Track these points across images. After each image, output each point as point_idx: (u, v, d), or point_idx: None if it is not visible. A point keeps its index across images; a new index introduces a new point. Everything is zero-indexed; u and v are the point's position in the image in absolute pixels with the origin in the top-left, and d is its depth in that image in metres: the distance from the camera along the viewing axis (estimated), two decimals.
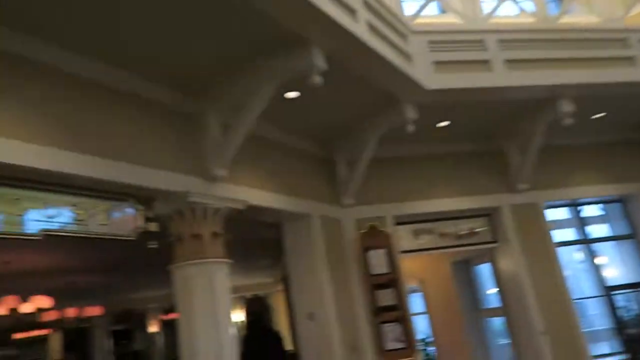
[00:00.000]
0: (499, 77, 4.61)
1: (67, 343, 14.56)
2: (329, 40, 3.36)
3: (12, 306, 7.00)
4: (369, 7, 3.71)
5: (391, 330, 4.97)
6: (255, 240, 7.17)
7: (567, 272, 5.80)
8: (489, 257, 6.17)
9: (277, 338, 6.34)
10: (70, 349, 14.73)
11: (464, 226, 5.92)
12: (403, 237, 5.65)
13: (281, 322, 12.25)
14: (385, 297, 5.05)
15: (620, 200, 6.60)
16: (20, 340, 13.32)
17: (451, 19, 5.21)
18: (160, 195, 3.58)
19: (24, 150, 2.69)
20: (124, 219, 3.42)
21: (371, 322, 5.00)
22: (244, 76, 3.62)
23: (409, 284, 6.18)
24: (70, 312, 8.92)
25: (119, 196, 3.39)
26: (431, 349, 7.91)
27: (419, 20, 4.69)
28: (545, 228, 5.86)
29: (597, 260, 6.49)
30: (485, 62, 4.63)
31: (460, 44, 4.59)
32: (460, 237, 5.88)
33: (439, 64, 4.45)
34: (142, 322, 15.08)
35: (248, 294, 13.45)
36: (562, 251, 5.95)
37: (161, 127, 3.64)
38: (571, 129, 5.17)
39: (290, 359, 6.02)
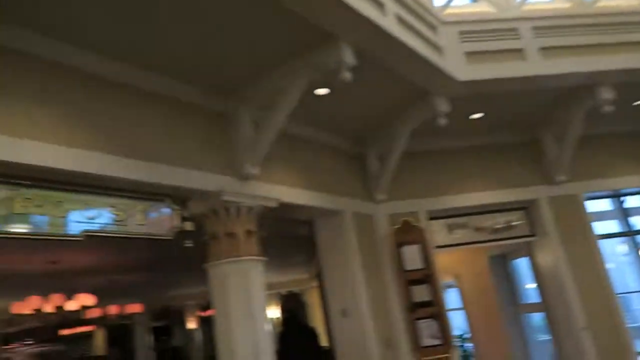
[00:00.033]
0: (534, 66, 4.48)
1: (110, 339, 15.08)
2: (358, 36, 3.34)
3: (58, 304, 7.28)
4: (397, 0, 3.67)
5: (427, 327, 4.92)
6: (290, 237, 7.22)
7: (609, 265, 5.60)
8: (527, 251, 6.02)
9: (312, 334, 6.37)
10: (113, 345, 15.25)
11: (500, 220, 5.79)
12: (437, 232, 5.57)
13: (316, 319, 12.30)
14: (420, 293, 5.00)
15: None
16: (67, 336, 13.88)
17: (483, 8, 5.08)
18: (195, 194, 3.65)
19: (66, 154, 2.80)
20: (161, 219, 3.50)
21: (406, 318, 4.97)
22: (274, 75, 3.65)
23: (444, 279, 6.10)
24: (113, 309, 9.22)
25: (155, 197, 3.47)
26: (468, 345, 7.79)
27: (449, 11, 4.59)
28: (585, 220, 5.66)
29: None
30: (519, 51, 4.50)
31: (492, 33, 4.47)
32: (496, 231, 5.76)
33: (470, 54, 4.36)
34: (180, 319, 15.44)
35: (283, 291, 13.57)
36: (604, 244, 5.74)
37: (195, 127, 3.70)
38: (611, 116, 4.98)
39: (326, 355, 6.04)
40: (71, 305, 7.43)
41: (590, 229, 5.64)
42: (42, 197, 2.87)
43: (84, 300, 7.56)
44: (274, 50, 3.42)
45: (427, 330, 4.91)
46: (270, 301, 13.43)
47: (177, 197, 3.62)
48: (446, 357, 4.92)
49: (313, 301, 12.91)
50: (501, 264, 7.01)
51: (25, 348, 13.32)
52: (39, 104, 2.79)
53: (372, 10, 3.24)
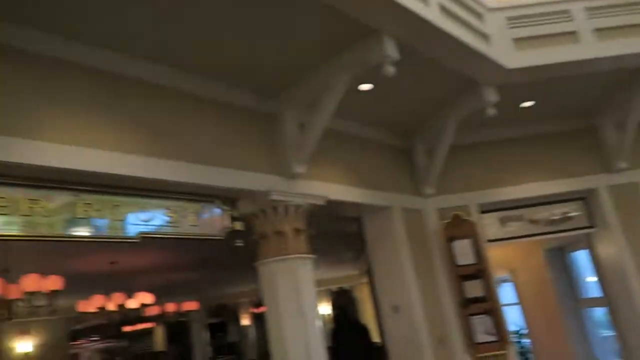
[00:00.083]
0: (588, 49, 4.25)
1: (169, 335, 15.69)
2: (401, 29, 3.29)
3: (120, 302, 7.62)
4: None
5: (481, 323, 4.80)
6: (339, 234, 7.23)
7: None
8: (586, 243, 5.75)
9: (363, 331, 6.38)
10: (172, 341, 15.85)
11: (556, 211, 5.55)
12: (489, 226, 5.41)
13: (367, 315, 12.27)
14: (473, 289, 4.89)
15: None
16: (129, 332, 14.56)
17: None
18: (243, 195, 3.72)
19: (121, 160, 2.94)
20: (212, 220, 3.60)
21: (459, 314, 4.86)
22: (317, 73, 3.66)
23: (498, 274, 5.93)
24: (170, 307, 9.55)
25: (206, 198, 3.57)
26: (525, 341, 7.54)
27: None
28: None
29: None
30: (571, 34, 4.28)
31: (542, 17, 4.28)
32: (552, 223, 5.53)
33: (519, 40, 4.18)
34: (235, 316, 15.84)
35: (334, 287, 13.63)
36: None
37: (242, 129, 3.77)
38: None
39: (377, 351, 6.03)
40: (132, 304, 7.76)
41: None
42: (101, 202, 3.03)
43: (143, 298, 7.88)
44: (316, 48, 3.42)
45: (482, 327, 4.80)
46: (320, 298, 13.54)
47: (227, 197, 3.71)
48: (502, 353, 4.79)
49: (363, 297, 12.89)
50: (559, 257, 6.73)
51: (91, 344, 14.09)
52: (97, 113, 2.94)
53: (414, 2, 3.18)
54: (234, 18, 2.97)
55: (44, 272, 5.30)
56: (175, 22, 2.94)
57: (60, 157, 2.67)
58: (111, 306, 7.59)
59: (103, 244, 3.12)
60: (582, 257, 6.29)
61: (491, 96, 4.28)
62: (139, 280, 8.43)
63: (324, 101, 3.64)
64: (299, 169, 3.86)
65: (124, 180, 3.03)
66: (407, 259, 4.77)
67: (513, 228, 5.51)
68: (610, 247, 5.34)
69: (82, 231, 2.94)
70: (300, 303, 3.59)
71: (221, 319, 16.73)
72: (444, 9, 3.51)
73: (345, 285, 13.60)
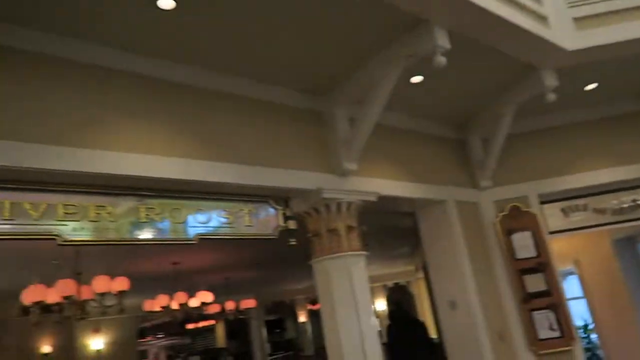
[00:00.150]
0: None
1: (229, 332, 16.14)
2: (451, 17, 3.20)
3: (182, 301, 7.92)
4: None
5: (544, 318, 4.61)
6: (393, 230, 7.19)
7: None
8: None
9: (419, 327, 6.29)
10: (232, 338, 16.30)
11: (625, 199, 5.23)
12: (551, 217, 5.18)
13: (424, 310, 12.10)
14: (535, 283, 4.70)
15: None
16: (192, 330, 15.10)
17: None
18: (296, 194, 3.77)
19: (180, 165, 3.06)
20: (266, 219, 3.66)
21: (520, 309, 4.69)
22: (366, 68, 3.64)
23: (562, 266, 5.67)
24: (229, 305, 9.81)
25: (260, 198, 3.65)
26: (594, 336, 7.17)
27: None
28: None
29: None
30: (637, 9, 4.01)
31: None
32: (621, 211, 5.22)
33: (580, 20, 3.95)
34: (292, 312, 16.07)
35: (390, 283, 13.54)
36: None
37: (293, 128, 3.82)
38: None
39: (434, 347, 5.93)
40: (193, 302, 8.03)
41: None
42: (161, 206, 3.16)
43: (204, 297, 8.15)
44: (364, 43, 3.40)
45: (545, 322, 4.60)
46: (376, 294, 13.49)
47: (280, 197, 3.77)
48: (568, 350, 4.58)
49: (420, 293, 12.72)
50: (629, 248, 6.36)
51: (157, 341, 14.72)
52: (155, 121, 3.08)
53: None
54: (283, 19, 3.01)
55: (112, 274, 5.59)
56: (227, 28, 3.01)
57: (124, 165, 2.83)
58: (174, 305, 7.89)
59: (165, 245, 3.25)
60: None
61: (551, 81, 4.09)
62: (200, 279, 8.73)
63: (374, 96, 3.61)
64: (350, 165, 3.85)
65: (183, 184, 3.16)
66: (463, 254, 4.66)
67: (577, 218, 5.25)
68: None
69: (146, 234, 3.08)
70: (354, 300, 3.60)
71: (278, 316, 17.03)
72: None
73: (401, 281, 13.47)
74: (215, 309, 9.36)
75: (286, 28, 3.11)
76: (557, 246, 5.10)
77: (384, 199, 4.13)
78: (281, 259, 8.31)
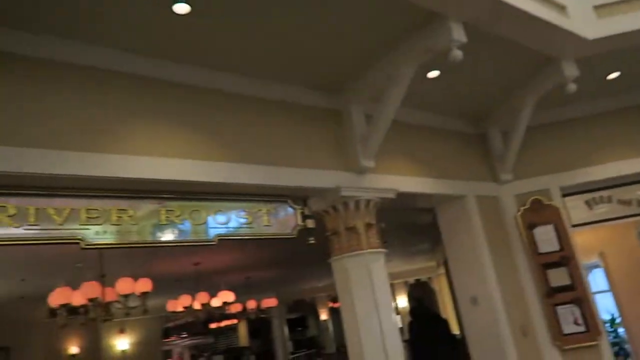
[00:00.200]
0: None
1: (251, 331, 16.27)
2: (467, 10, 3.15)
3: (204, 301, 8.00)
4: None
5: (568, 313, 4.52)
6: (414, 226, 7.15)
7: None
8: None
9: (441, 323, 6.22)
10: (254, 336, 16.43)
11: None
12: (574, 209, 5.08)
13: (446, 306, 12.01)
14: (558, 277, 4.62)
15: None
16: (215, 329, 15.26)
17: None
18: (314, 193, 3.77)
19: (198, 167, 3.09)
20: (285, 219, 3.68)
21: (543, 304, 4.62)
22: (382, 64, 3.62)
23: (586, 259, 5.56)
24: (251, 304, 9.88)
25: (277, 198, 3.66)
26: (621, 330, 7.02)
27: None
28: None
29: None
30: None
31: None
32: None
33: (600, 8, 3.84)
34: (313, 310, 16.11)
35: (411, 279, 13.47)
36: None
37: (309, 127, 3.82)
38: None
39: (457, 344, 5.87)
40: (215, 302, 8.11)
41: None
42: (182, 208, 3.20)
43: (225, 296, 8.21)
44: (379, 39, 3.38)
45: (569, 317, 4.52)
46: (398, 290, 13.44)
47: (298, 196, 3.77)
48: (594, 344, 4.50)
49: (442, 288, 12.63)
50: None
51: (181, 341, 14.93)
52: (174, 124, 3.12)
53: None
54: (299, 18, 3.01)
55: (136, 276, 5.68)
56: (242, 29, 3.03)
57: (145, 169, 2.88)
58: (197, 305, 7.98)
59: (186, 247, 3.28)
60: None
61: (572, 71, 4.00)
62: (221, 279, 8.81)
63: (390, 92, 3.58)
64: (368, 163, 3.84)
65: (202, 186, 3.19)
66: (484, 249, 4.61)
67: (601, 210, 5.14)
68: None
69: (167, 236, 3.12)
70: (374, 297, 3.59)
71: (300, 314, 17.10)
72: None
73: (423, 277, 13.38)
74: (236, 308, 9.44)
75: (301, 27, 3.11)
76: (581, 239, 5.00)
77: (402, 196, 4.11)
78: (301, 258, 8.33)
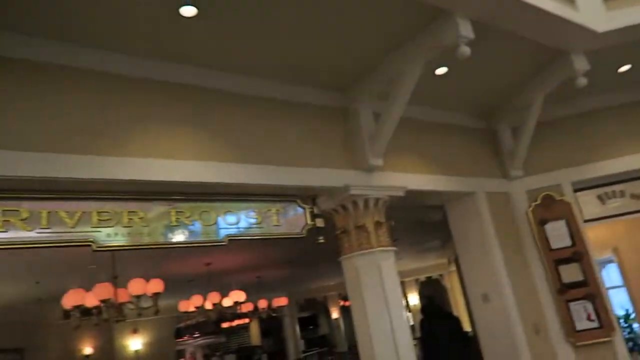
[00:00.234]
0: None
1: (263, 330, 16.31)
2: (474, 6, 3.14)
3: (215, 301, 8.03)
4: None
5: (581, 309, 4.48)
6: (424, 223, 7.12)
7: None
8: None
9: (453, 320, 6.21)
10: (266, 335, 16.47)
11: None
12: (586, 204, 5.03)
13: (458, 304, 11.95)
14: (570, 273, 4.58)
15: None
16: (227, 329, 15.32)
17: None
18: (323, 192, 3.77)
19: (207, 169, 3.11)
20: (294, 219, 3.68)
21: (556, 300, 4.58)
22: (389, 62, 3.61)
23: (599, 255, 5.51)
24: (262, 303, 9.91)
25: (286, 198, 3.67)
26: (635, 325, 6.94)
27: None
28: None
29: None
30: None
31: None
32: None
33: (609, 0, 3.83)
34: (324, 309, 16.11)
35: (422, 277, 13.42)
36: None
37: (317, 127, 3.82)
38: None
39: (469, 341, 5.85)
40: (226, 302, 8.14)
41: None
42: (191, 209, 3.22)
43: (236, 296, 8.24)
44: (385, 37, 3.37)
45: (582, 313, 4.48)
46: (409, 288, 13.40)
47: (307, 196, 3.78)
48: (608, 340, 4.45)
49: (453, 286, 12.57)
50: None
51: (194, 340, 15.01)
52: (184, 126, 3.14)
53: None
54: (305, 18, 3.01)
55: (147, 276, 5.72)
56: (249, 31, 3.04)
57: (154, 171, 2.90)
58: (208, 305, 8.02)
59: (197, 247, 3.30)
60: None
61: (581, 64, 3.96)
62: (232, 279, 8.84)
63: (398, 90, 3.57)
64: (376, 161, 3.83)
65: (212, 187, 3.21)
66: (494, 246, 4.58)
67: (615, 205, 5.09)
68: None
69: (177, 237, 3.14)
70: (384, 295, 3.59)
71: (311, 313, 17.11)
72: None
73: (434, 275, 13.33)
74: (248, 307, 9.47)
75: (308, 27, 3.11)
76: (594, 234, 4.96)
77: (412, 193, 4.10)
78: (312, 257, 8.34)
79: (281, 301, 10.29)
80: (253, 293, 9.44)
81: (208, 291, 7.96)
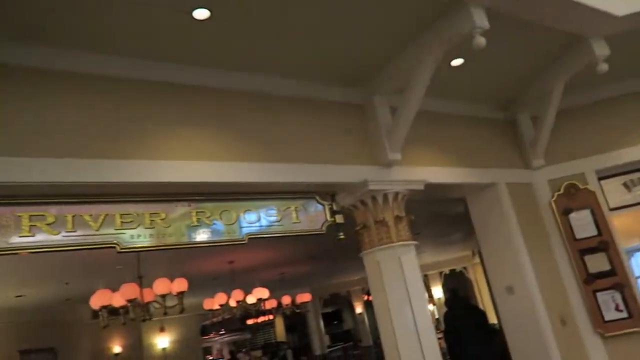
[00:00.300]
0: None
1: (287, 326, 16.43)
2: None
3: (239, 298, 8.11)
4: None
5: (609, 299, 4.39)
6: (445, 216, 7.06)
7: None
8: None
9: (477, 313, 6.15)
10: (291, 331, 16.59)
11: None
12: (611, 193, 4.90)
13: (483, 296, 11.84)
14: (597, 263, 4.49)
15: None
16: (252, 325, 15.48)
17: None
18: (342, 188, 3.78)
19: (227, 169, 3.15)
20: (314, 215, 3.70)
21: (582, 291, 4.50)
22: (404, 55, 3.59)
23: (627, 244, 5.37)
24: (285, 299, 9.97)
25: (305, 195, 3.68)
26: None
27: None
28: None
29: None
30: None
31: None
32: None
33: None
34: (348, 304, 16.13)
35: (446, 270, 13.34)
36: None
37: (334, 123, 3.82)
38: None
39: (494, 333, 5.79)
40: (250, 299, 8.22)
41: None
42: (212, 209, 3.26)
43: (260, 293, 8.30)
44: (400, 29, 3.35)
45: (610, 303, 4.39)
46: (433, 281, 13.32)
47: (326, 192, 3.79)
48: (638, 330, 4.35)
49: (477, 278, 12.45)
50: None
51: (220, 337, 15.21)
52: (204, 127, 3.19)
53: None
54: (319, 14, 3.01)
55: (172, 276, 5.82)
56: (263, 30, 3.05)
57: (175, 173, 2.95)
58: (232, 302, 8.11)
59: (219, 246, 3.34)
60: None
61: (602, 50, 3.85)
62: (256, 276, 8.93)
63: (414, 82, 3.54)
64: (394, 155, 3.81)
65: (231, 187, 3.24)
66: (518, 237, 4.52)
67: None
68: None
69: (199, 237, 3.18)
70: (406, 289, 3.58)
71: (335, 308, 17.16)
72: None
73: (458, 267, 13.22)
74: (271, 304, 9.53)
75: (321, 23, 3.11)
76: (622, 223, 4.84)
77: (431, 187, 4.07)
78: (333, 252, 8.35)
79: (304, 297, 10.33)
80: (276, 290, 9.52)
81: (232, 289, 8.05)
